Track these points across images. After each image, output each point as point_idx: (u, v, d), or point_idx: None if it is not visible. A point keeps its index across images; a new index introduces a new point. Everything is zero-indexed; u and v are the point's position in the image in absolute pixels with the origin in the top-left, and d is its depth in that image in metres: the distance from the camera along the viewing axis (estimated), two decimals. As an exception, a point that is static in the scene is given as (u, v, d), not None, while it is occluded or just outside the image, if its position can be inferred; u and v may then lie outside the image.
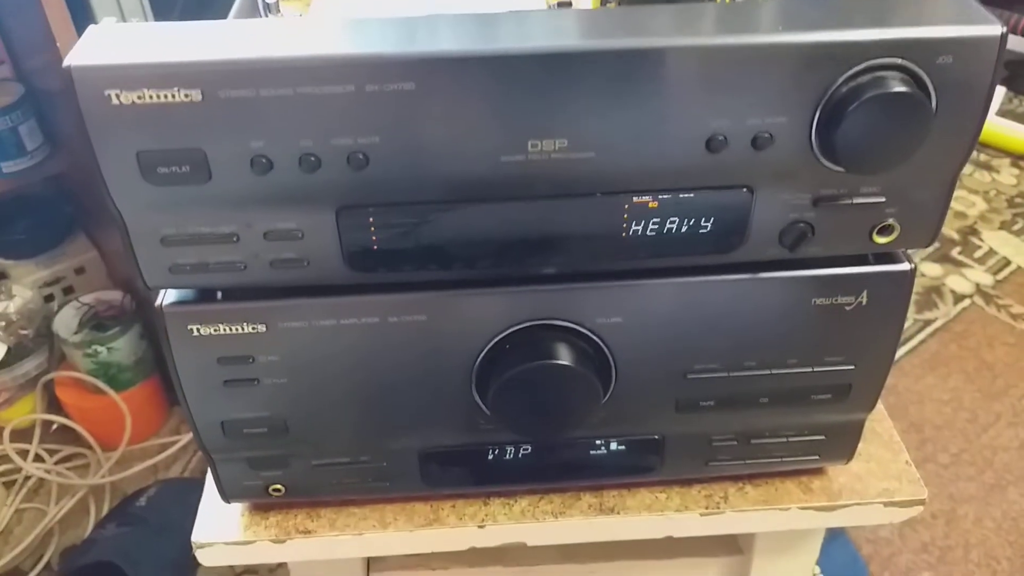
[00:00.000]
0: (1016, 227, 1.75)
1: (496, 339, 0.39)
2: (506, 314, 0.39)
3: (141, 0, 0.97)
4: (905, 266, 0.39)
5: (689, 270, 0.39)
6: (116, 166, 0.33)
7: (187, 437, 1.21)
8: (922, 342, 1.46)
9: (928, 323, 1.50)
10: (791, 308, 0.40)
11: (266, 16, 0.47)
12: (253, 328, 0.38)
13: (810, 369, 0.42)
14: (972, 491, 1.21)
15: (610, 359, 0.40)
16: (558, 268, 0.38)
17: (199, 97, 0.31)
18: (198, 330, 0.38)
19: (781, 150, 0.34)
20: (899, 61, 0.32)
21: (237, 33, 0.33)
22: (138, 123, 0.31)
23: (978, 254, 1.67)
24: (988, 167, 1.93)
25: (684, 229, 0.36)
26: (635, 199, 0.35)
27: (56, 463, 1.16)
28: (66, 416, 1.18)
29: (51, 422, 1.18)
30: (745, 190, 0.35)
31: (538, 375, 0.39)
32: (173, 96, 0.31)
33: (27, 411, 1.19)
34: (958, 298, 1.56)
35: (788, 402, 0.43)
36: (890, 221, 0.37)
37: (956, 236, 1.71)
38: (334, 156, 0.33)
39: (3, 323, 1.14)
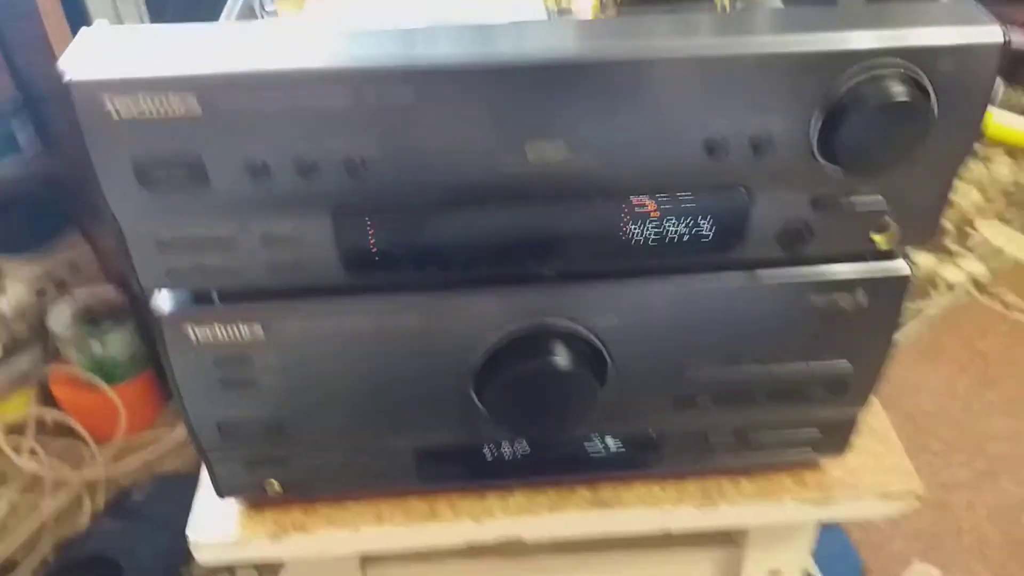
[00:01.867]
0: (1010, 217, 1.75)
1: (493, 340, 0.39)
2: (503, 315, 0.39)
3: (138, 5, 0.96)
4: (901, 265, 0.39)
5: (686, 269, 0.39)
6: (113, 173, 0.32)
7: (182, 430, 1.21)
8: (916, 332, 1.47)
9: (921, 312, 1.50)
10: (788, 307, 0.40)
11: (261, 18, 0.47)
12: (249, 330, 0.38)
13: (806, 367, 0.42)
14: (964, 479, 1.22)
15: (607, 358, 0.40)
16: (556, 270, 0.38)
17: (197, 107, 0.31)
18: (194, 332, 0.38)
19: (780, 153, 0.34)
20: (900, 64, 0.32)
21: (235, 40, 0.33)
22: (136, 132, 0.31)
23: (972, 244, 1.67)
24: (983, 158, 1.93)
25: (682, 230, 0.36)
26: (633, 201, 0.35)
27: (51, 457, 1.16)
28: (61, 411, 1.18)
29: (45, 417, 1.17)
30: (743, 191, 0.35)
31: (535, 375, 0.39)
32: (171, 107, 0.31)
33: (21, 406, 1.18)
34: (951, 287, 1.57)
35: (784, 398, 0.43)
36: (887, 221, 0.37)
37: (950, 226, 1.71)
38: (331, 162, 0.33)
39: (-2, 319, 1.14)
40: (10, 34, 1.10)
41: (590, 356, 0.40)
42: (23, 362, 1.18)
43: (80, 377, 1.15)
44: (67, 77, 0.30)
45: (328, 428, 0.42)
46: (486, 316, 0.39)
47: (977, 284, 1.57)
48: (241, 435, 0.42)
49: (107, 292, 1.20)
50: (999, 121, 1.97)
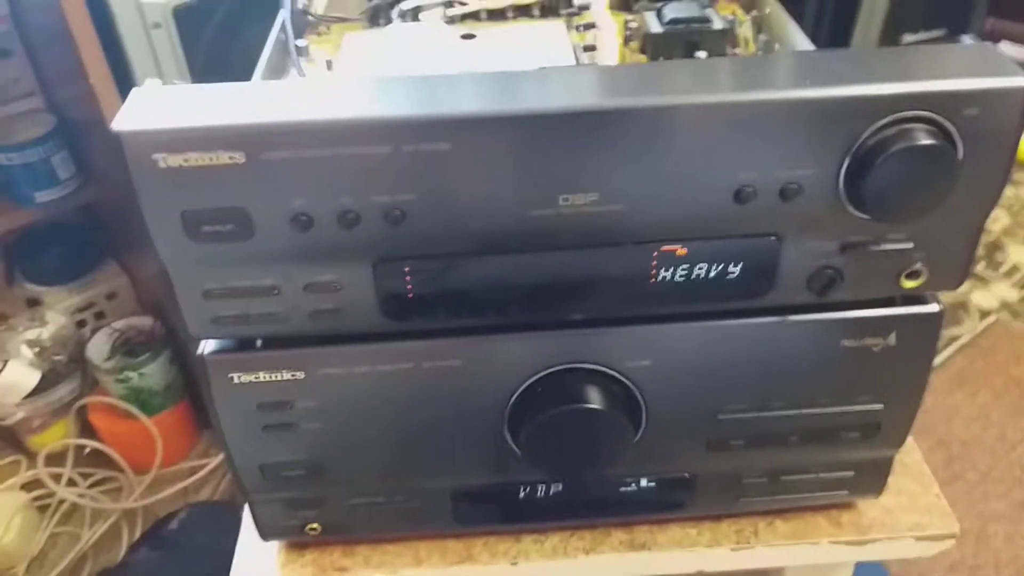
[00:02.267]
0: (1041, 240, 1.73)
1: (528, 382, 0.40)
2: (538, 358, 0.40)
3: (171, 35, 0.99)
4: (933, 307, 0.39)
5: (718, 313, 0.39)
6: (162, 224, 0.34)
7: (216, 460, 1.22)
8: (949, 358, 1.45)
9: (954, 339, 1.48)
10: (820, 350, 0.40)
11: (297, 59, 0.49)
12: (292, 375, 0.39)
13: (839, 409, 0.42)
14: (1002, 509, 1.20)
15: (640, 401, 0.41)
16: (588, 314, 0.39)
17: (243, 159, 0.32)
18: (239, 378, 0.39)
19: (809, 200, 0.34)
20: (925, 113, 0.32)
21: (276, 95, 0.34)
22: (183, 184, 0.33)
23: (1003, 269, 1.66)
24: (1012, 181, 1.91)
25: (712, 276, 0.37)
26: (664, 247, 0.36)
27: (89, 487, 1.18)
28: (99, 440, 1.20)
29: (84, 446, 1.19)
30: (773, 238, 0.36)
31: (570, 418, 0.39)
32: (217, 158, 0.32)
33: (60, 436, 1.21)
34: (984, 314, 1.55)
35: (818, 441, 0.43)
36: (918, 266, 0.37)
37: (981, 251, 1.70)
38: (372, 212, 0.34)
39: (37, 349, 1.17)
40: (47, 68, 1.13)
41: (623, 398, 0.40)
42: (62, 392, 1.20)
43: (118, 407, 1.18)
44: (116, 127, 0.32)
45: (366, 470, 0.43)
46: (521, 359, 0.40)
47: (1010, 309, 1.55)
48: (282, 477, 0.43)
49: (144, 323, 1.23)
50: (1028, 144, 1.94)
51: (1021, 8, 1.98)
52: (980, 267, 1.65)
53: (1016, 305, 1.56)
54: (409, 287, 0.37)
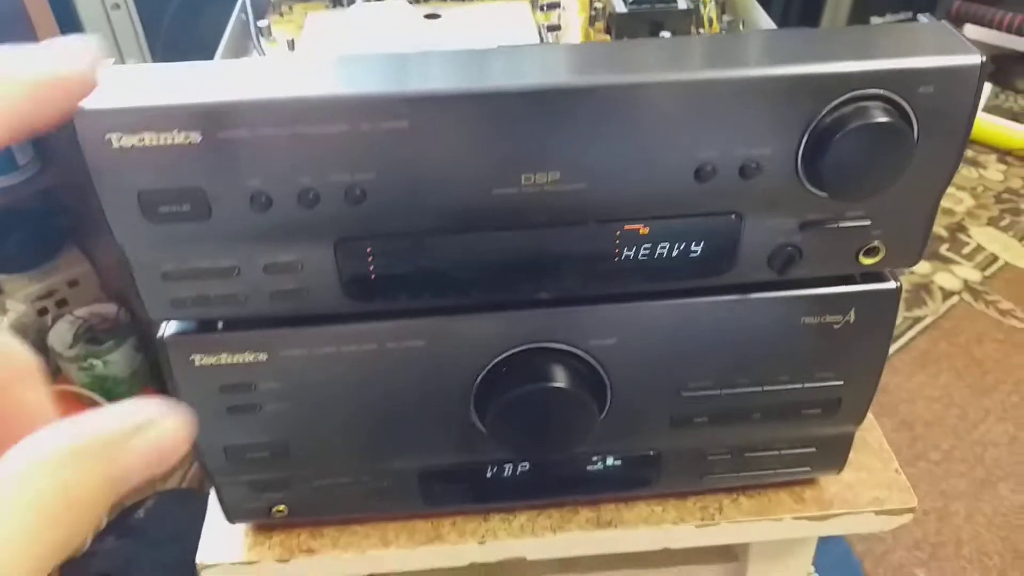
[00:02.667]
0: (1004, 223, 1.77)
1: (493, 362, 0.40)
2: (503, 338, 0.40)
3: (131, 16, 0.97)
4: (891, 284, 0.40)
5: (680, 292, 0.39)
6: (119, 206, 0.33)
7: (184, 448, 1.21)
8: (912, 340, 1.48)
9: (917, 320, 1.51)
10: (781, 327, 0.41)
11: (258, 39, 0.48)
12: (254, 357, 0.39)
13: (800, 385, 0.43)
14: (963, 487, 1.22)
15: (605, 380, 0.41)
16: (552, 293, 0.39)
17: (198, 138, 0.32)
18: (201, 360, 0.39)
19: (768, 178, 0.35)
20: (881, 91, 0.33)
21: (233, 74, 0.34)
22: (139, 164, 0.32)
23: (966, 251, 1.69)
24: (975, 163, 1.95)
25: (675, 254, 0.37)
26: (626, 226, 0.36)
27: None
28: (63, 430, 1.18)
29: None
30: (734, 216, 0.36)
31: (536, 398, 0.39)
32: (173, 138, 0.32)
33: (24, 426, 1.19)
34: (947, 295, 1.58)
35: (780, 417, 0.44)
36: (876, 243, 0.37)
37: (944, 233, 1.73)
38: (332, 192, 0.34)
39: (-2, 338, 1.15)
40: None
41: (588, 377, 0.41)
42: (25, 382, 1.18)
43: (82, 396, 1.16)
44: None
45: (332, 451, 0.43)
46: (485, 339, 0.40)
47: (972, 291, 1.58)
48: (247, 459, 0.42)
49: (107, 309, 1.21)
50: (989, 125, 1.98)
51: (987, -10, 2.02)
52: (943, 249, 1.68)
53: (978, 286, 1.59)
54: (371, 267, 0.36)
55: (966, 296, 1.57)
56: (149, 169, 0.32)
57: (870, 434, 0.52)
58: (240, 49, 0.47)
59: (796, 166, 0.34)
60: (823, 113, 0.33)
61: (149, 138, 0.32)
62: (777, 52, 0.34)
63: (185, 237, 0.34)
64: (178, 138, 0.32)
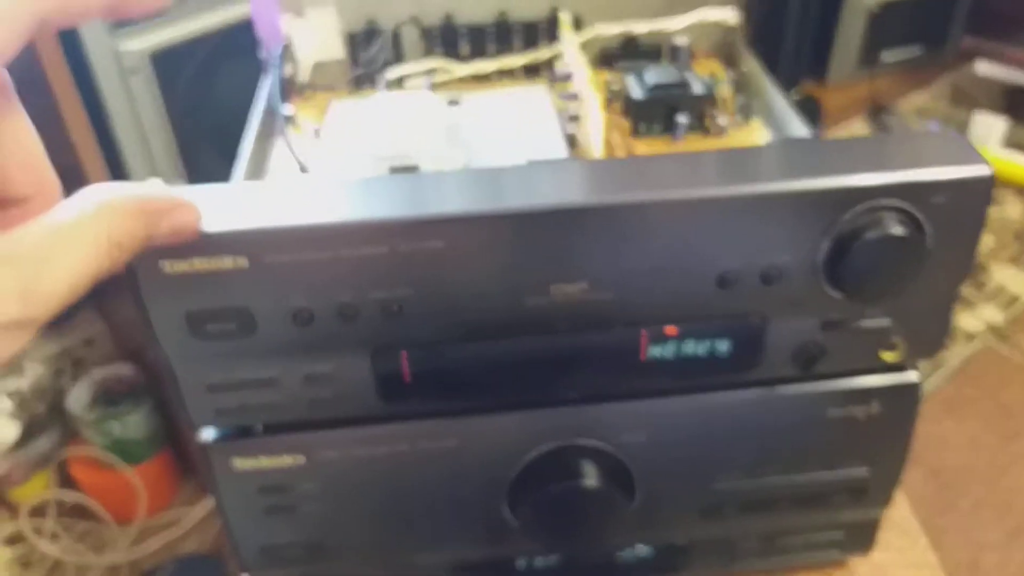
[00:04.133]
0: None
1: (526, 460, 0.41)
2: (534, 436, 0.41)
3: (150, 80, 0.99)
4: (912, 376, 0.41)
5: (707, 387, 0.41)
6: (167, 325, 0.35)
7: (201, 509, 1.22)
8: (936, 385, 1.47)
9: (941, 364, 1.50)
10: (806, 419, 0.41)
11: (284, 127, 0.50)
12: (292, 459, 0.40)
13: (827, 474, 0.43)
14: (995, 538, 1.21)
15: (636, 475, 0.42)
16: (582, 393, 0.40)
17: (246, 263, 0.33)
18: (241, 463, 0.40)
19: (789, 283, 0.36)
20: (895, 202, 0.34)
21: (278, 198, 0.35)
22: (188, 287, 0.34)
23: (987, 291, 1.68)
24: (993, 200, 1.94)
25: (701, 354, 0.38)
26: (653, 329, 0.38)
27: (72, 540, 1.16)
28: (80, 492, 1.19)
29: (65, 499, 1.18)
30: (758, 318, 0.37)
31: (568, 494, 0.40)
32: (222, 263, 0.33)
33: (41, 488, 1.19)
34: (970, 337, 1.57)
35: (807, 504, 0.44)
36: (895, 340, 0.38)
37: (964, 275, 1.72)
38: (371, 307, 0.35)
39: (17, 400, 1.15)
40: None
41: (618, 473, 0.41)
42: (42, 444, 1.18)
43: (99, 458, 1.16)
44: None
45: (367, 548, 0.44)
46: (517, 438, 0.41)
47: (996, 332, 1.57)
48: (283, 556, 0.43)
49: (123, 370, 1.22)
50: (1007, 159, 1.97)
51: (997, 26, 2.02)
52: (965, 289, 1.68)
53: (1002, 327, 1.58)
54: (406, 373, 0.38)
55: (989, 338, 1.56)
56: (198, 291, 0.34)
57: (898, 512, 0.52)
58: (266, 135, 0.50)
59: (814, 271, 0.36)
60: (840, 222, 0.34)
61: (199, 263, 0.33)
62: (793, 165, 0.35)
63: (230, 352, 0.36)
64: (227, 263, 0.33)
